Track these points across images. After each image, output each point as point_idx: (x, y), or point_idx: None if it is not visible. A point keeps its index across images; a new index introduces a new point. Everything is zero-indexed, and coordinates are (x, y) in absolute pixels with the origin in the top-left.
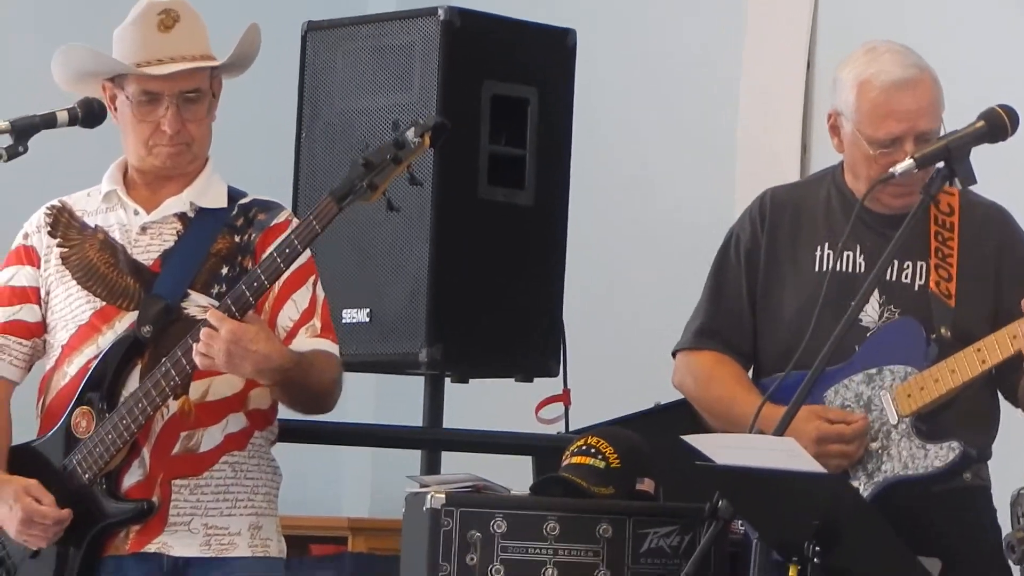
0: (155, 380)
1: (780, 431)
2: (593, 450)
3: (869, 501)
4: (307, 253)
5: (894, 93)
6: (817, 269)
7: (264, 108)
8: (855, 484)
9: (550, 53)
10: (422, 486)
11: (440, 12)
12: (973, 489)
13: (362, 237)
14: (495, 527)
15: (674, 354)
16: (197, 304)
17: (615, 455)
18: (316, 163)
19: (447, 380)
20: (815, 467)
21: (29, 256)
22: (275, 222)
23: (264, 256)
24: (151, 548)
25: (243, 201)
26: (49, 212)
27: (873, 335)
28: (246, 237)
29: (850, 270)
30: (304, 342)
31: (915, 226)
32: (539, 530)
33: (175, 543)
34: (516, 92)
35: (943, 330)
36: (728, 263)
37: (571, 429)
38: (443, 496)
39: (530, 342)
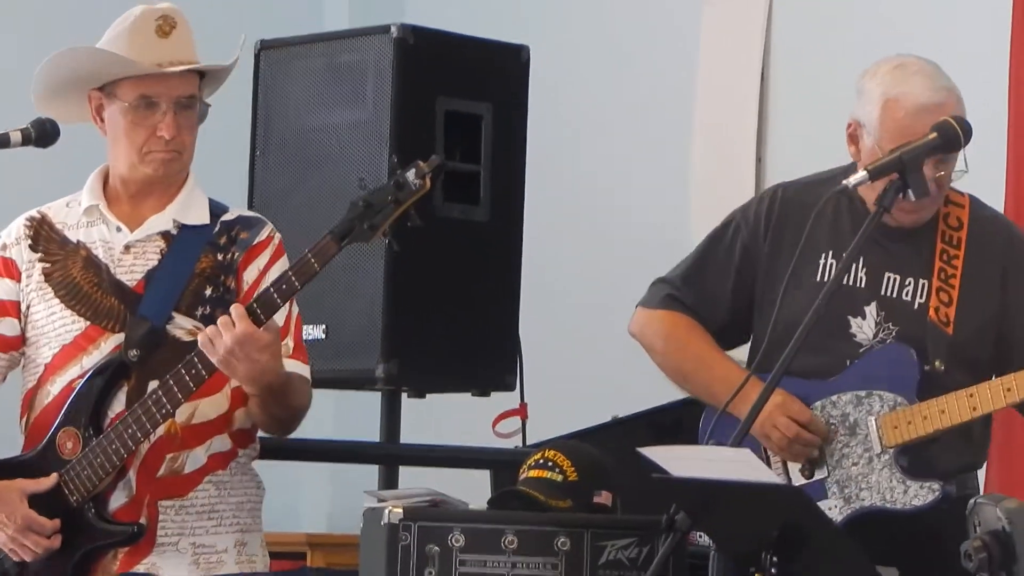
0: (146, 407)
1: (762, 402)
2: (550, 463)
3: (842, 524)
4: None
5: (921, 117)
6: (818, 279)
7: (218, 127)
8: (830, 505)
9: (504, 69)
10: (380, 501)
11: (393, 29)
12: (954, 501)
13: None
14: (453, 541)
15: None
16: (182, 327)
17: (572, 468)
18: (271, 181)
19: (404, 395)
20: (772, 478)
21: (8, 269)
22: (257, 240)
23: (261, 291)
24: (140, 569)
25: (226, 218)
26: (29, 224)
27: (866, 354)
28: (229, 256)
29: (850, 283)
30: None
31: (922, 239)
32: (497, 544)
33: (164, 563)
34: (470, 108)
35: (937, 363)
36: (720, 248)
37: (528, 443)
38: (401, 511)
39: (486, 356)
